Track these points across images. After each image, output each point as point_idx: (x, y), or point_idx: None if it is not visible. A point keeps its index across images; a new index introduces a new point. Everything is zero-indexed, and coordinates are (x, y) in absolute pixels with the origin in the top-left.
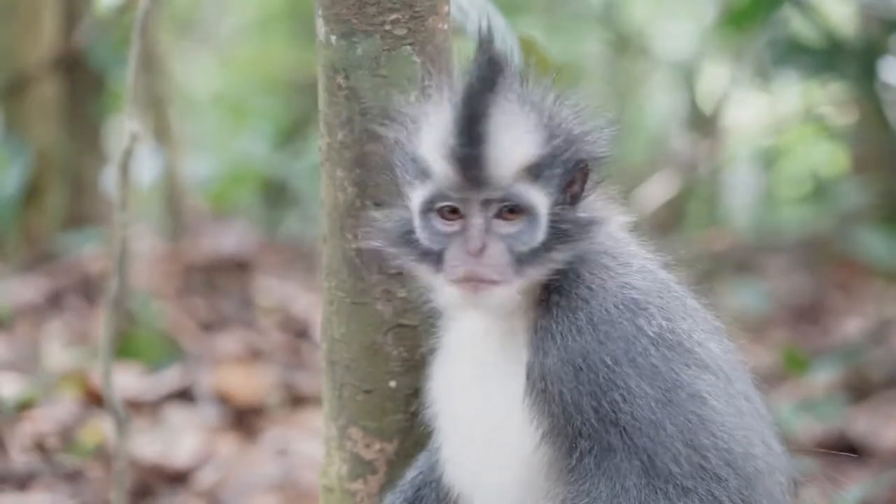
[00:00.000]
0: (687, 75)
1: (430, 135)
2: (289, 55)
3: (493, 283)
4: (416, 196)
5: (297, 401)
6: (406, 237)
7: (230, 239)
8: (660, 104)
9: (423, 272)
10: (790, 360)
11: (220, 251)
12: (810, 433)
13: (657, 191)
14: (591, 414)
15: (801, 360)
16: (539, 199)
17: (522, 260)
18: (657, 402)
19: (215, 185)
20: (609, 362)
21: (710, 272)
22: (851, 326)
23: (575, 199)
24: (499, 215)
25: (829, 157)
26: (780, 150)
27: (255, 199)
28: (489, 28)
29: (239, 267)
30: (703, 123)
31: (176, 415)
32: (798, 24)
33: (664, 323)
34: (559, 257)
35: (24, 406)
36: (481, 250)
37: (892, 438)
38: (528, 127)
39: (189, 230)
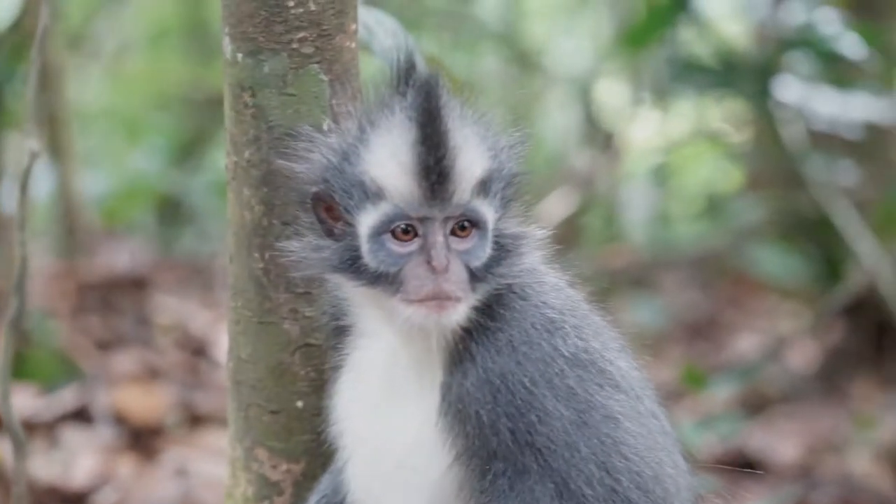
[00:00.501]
0: (583, 92)
1: (385, 155)
2: (183, 71)
3: (457, 299)
4: (367, 219)
5: (196, 420)
6: (352, 262)
7: (126, 256)
8: (557, 121)
9: (375, 296)
10: (689, 376)
11: (116, 269)
12: (709, 449)
13: (556, 207)
14: (507, 435)
15: (698, 377)
16: (489, 214)
17: (475, 276)
18: (572, 423)
19: (110, 201)
20: (527, 384)
21: (608, 289)
22: (745, 342)
23: (506, 213)
24: (453, 232)
25: (724, 175)
26: (675, 167)
27: (150, 216)
28: (409, 49)
29: (135, 285)
30: (600, 140)
31: (72, 435)
32: (694, 42)
33: (579, 342)
34: (503, 273)
35: None
36: (446, 268)
37: (788, 454)
38: (478, 142)
39: (83, 247)
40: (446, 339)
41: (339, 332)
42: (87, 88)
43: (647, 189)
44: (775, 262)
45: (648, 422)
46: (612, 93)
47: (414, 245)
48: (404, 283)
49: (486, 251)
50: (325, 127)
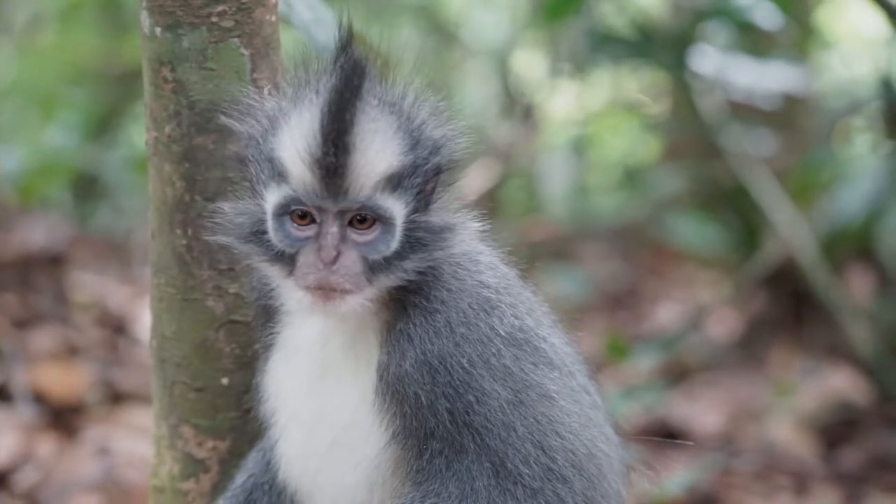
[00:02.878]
0: (501, 64)
1: (291, 138)
2: (96, 45)
3: (345, 292)
4: (271, 197)
5: (116, 398)
6: (257, 235)
7: (41, 233)
8: (476, 93)
9: (274, 273)
10: (612, 347)
11: (31, 245)
12: (633, 420)
13: (475, 180)
14: (445, 416)
15: (621, 347)
16: (397, 208)
17: (375, 268)
18: (509, 403)
19: (24, 178)
20: (465, 364)
21: (529, 261)
22: (666, 312)
23: (428, 205)
24: (353, 223)
25: (642, 145)
26: (593, 138)
27: (65, 192)
28: (348, 31)
29: (51, 261)
30: (519, 112)
31: None
32: (611, 14)
33: (514, 321)
34: (412, 266)
35: None
36: (334, 259)
37: (710, 422)
38: (391, 136)
39: None
40: (382, 318)
41: (268, 310)
42: None
43: (566, 160)
44: (694, 232)
45: (581, 398)
46: (530, 64)
47: (311, 231)
48: (297, 268)
49: (391, 245)
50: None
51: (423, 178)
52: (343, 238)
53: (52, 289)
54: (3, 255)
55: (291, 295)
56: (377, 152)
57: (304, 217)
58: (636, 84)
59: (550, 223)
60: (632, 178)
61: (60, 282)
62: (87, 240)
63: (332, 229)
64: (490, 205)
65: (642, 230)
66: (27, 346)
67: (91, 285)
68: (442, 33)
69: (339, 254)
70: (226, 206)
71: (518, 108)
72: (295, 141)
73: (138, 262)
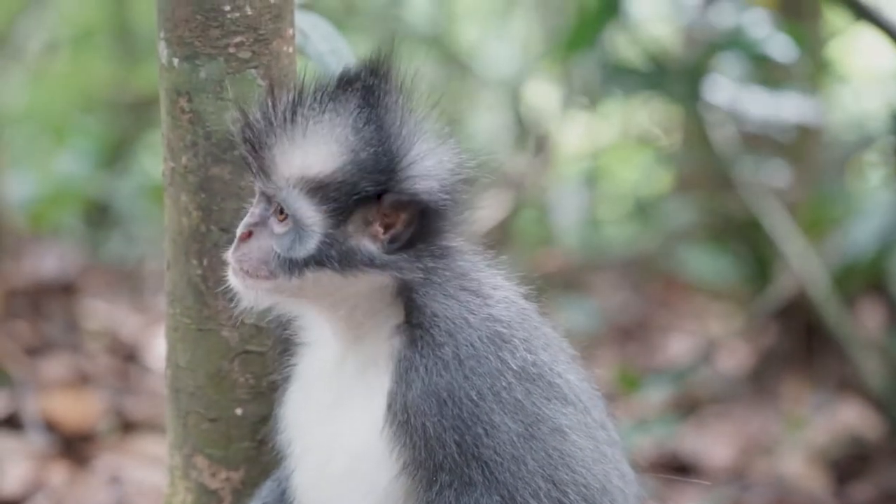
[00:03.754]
0: (514, 95)
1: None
2: (108, 73)
3: (245, 273)
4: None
5: (128, 427)
6: None
7: (52, 261)
8: (488, 124)
9: None
10: (622, 378)
11: (43, 273)
12: (644, 453)
13: (488, 211)
14: (453, 448)
15: (632, 379)
16: (309, 214)
17: (285, 265)
18: (519, 436)
19: (36, 205)
20: (474, 397)
21: (542, 292)
22: (677, 344)
23: (395, 236)
24: (275, 214)
25: (653, 177)
26: (605, 169)
27: (77, 220)
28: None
29: (63, 290)
30: (531, 143)
31: (2, 443)
32: (624, 45)
33: (527, 356)
34: (322, 279)
35: None
36: (244, 237)
37: (721, 456)
38: (331, 145)
39: (9, 252)
40: (392, 345)
41: (287, 342)
42: (10, 90)
43: (578, 192)
44: (705, 264)
45: (596, 433)
46: (542, 95)
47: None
48: None
49: (303, 248)
50: None
51: (351, 199)
52: (263, 222)
53: (63, 317)
54: (14, 283)
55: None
56: (304, 149)
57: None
58: (649, 116)
59: (562, 254)
60: (643, 209)
61: (72, 310)
62: (98, 268)
63: (255, 210)
64: (502, 236)
65: (653, 262)
66: (38, 374)
67: (103, 313)
68: (455, 64)
69: (250, 234)
70: None
71: (531, 139)
72: (247, 116)
73: (150, 290)
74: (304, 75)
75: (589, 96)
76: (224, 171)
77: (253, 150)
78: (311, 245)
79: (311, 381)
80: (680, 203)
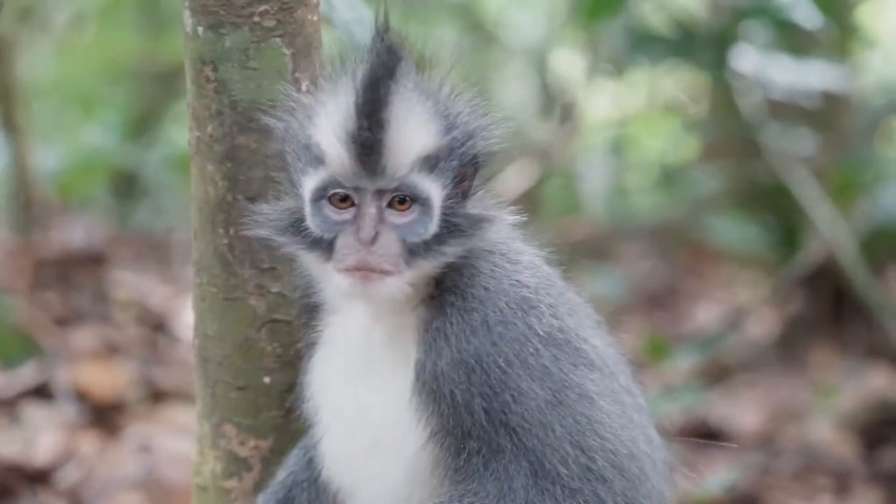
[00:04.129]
0: (540, 63)
1: (327, 121)
2: (135, 44)
3: (384, 273)
4: (308, 183)
5: (157, 396)
6: (296, 226)
7: (81, 231)
8: (514, 92)
9: (312, 261)
10: (651, 347)
11: (72, 244)
12: (673, 420)
13: (515, 180)
14: (481, 415)
15: (661, 347)
16: (434, 190)
17: (413, 251)
18: (547, 403)
19: (64, 176)
20: (502, 364)
21: (569, 260)
22: (705, 312)
23: (465, 195)
24: (391, 205)
25: (680, 145)
26: (631, 137)
27: (105, 191)
28: (384, 19)
29: (92, 260)
30: (557, 112)
31: (33, 412)
32: (650, 12)
33: (553, 321)
34: (450, 251)
35: None
36: (373, 239)
37: (750, 423)
38: (427, 117)
39: (39, 223)
40: (420, 315)
41: (311, 308)
42: (37, 62)
43: (604, 160)
44: (733, 232)
45: (623, 399)
46: (568, 63)
47: (349, 214)
48: (335, 252)
49: (429, 228)
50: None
51: (459, 163)
52: (381, 219)
53: (92, 287)
54: (43, 254)
55: (330, 281)
56: (413, 130)
57: (344, 200)
58: (675, 83)
59: (589, 223)
60: (670, 177)
61: (101, 280)
62: (126, 238)
63: (371, 210)
64: (529, 205)
65: (681, 230)
66: (68, 345)
67: (131, 284)
68: (480, 32)
69: (377, 234)
70: (267, 205)
71: (557, 108)
72: (331, 121)
73: (178, 260)
74: (389, 60)
75: (615, 64)
76: (250, 140)
77: (367, 150)
78: (435, 222)
79: (338, 350)
80: (707, 171)
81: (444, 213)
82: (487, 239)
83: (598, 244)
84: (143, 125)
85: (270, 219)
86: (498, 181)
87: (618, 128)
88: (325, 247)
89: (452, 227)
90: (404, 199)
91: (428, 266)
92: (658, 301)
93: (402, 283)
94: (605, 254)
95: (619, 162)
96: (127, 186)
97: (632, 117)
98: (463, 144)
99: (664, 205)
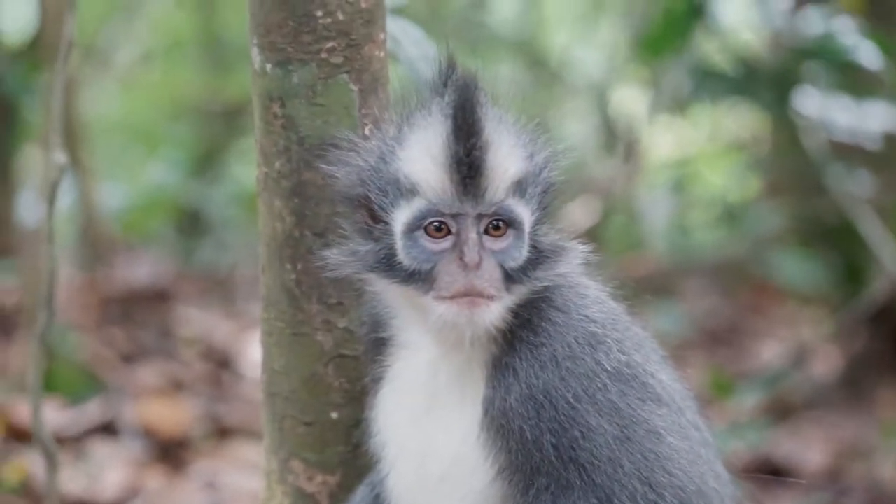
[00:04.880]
0: (601, 100)
1: (421, 150)
2: (198, 81)
3: (490, 298)
4: (401, 216)
5: (222, 433)
6: (386, 261)
7: (146, 268)
8: (576, 129)
9: (408, 295)
10: (716, 383)
11: (137, 281)
12: (738, 457)
13: (577, 216)
14: (550, 451)
15: (725, 384)
16: (526, 215)
17: (510, 277)
18: (615, 439)
19: (129, 214)
20: (570, 399)
21: (632, 297)
22: (767, 349)
23: (545, 220)
24: (486, 231)
25: (742, 182)
26: (694, 174)
27: (169, 228)
28: (452, 55)
29: (157, 297)
30: (619, 148)
31: (100, 449)
32: (712, 51)
33: (621, 356)
34: (541, 278)
35: None
36: (478, 265)
37: (815, 461)
38: (515, 143)
39: (104, 260)
40: (488, 351)
41: (379, 343)
42: (101, 100)
43: (666, 197)
44: (795, 269)
45: (690, 434)
46: (630, 100)
47: (447, 242)
48: (437, 281)
49: (523, 253)
50: (362, 133)
51: (541, 189)
52: (482, 245)
53: (157, 324)
54: (109, 291)
55: (431, 312)
56: (507, 154)
57: (439, 230)
58: (737, 121)
59: (651, 259)
60: (732, 214)
61: (165, 317)
62: (191, 275)
63: (473, 235)
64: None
65: (743, 267)
66: (134, 381)
67: (196, 320)
68: (541, 69)
69: (481, 259)
70: (333, 251)
71: (619, 144)
72: (427, 150)
73: (242, 297)
74: (475, 92)
75: (677, 102)
76: (317, 176)
77: (471, 174)
78: (526, 248)
79: (405, 385)
80: (769, 208)
81: (531, 240)
82: (568, 269)
83: (660, 280)
84: (206, 162)
85: (357, 258)
86: (563, 216)
87: (680, 165)
88: (423, 278)
89: (539, 254)
90: (499, 224)
91: (521, 292)
92: (720, 338)
93: (503, 308)
94: (667, 290)
95: (682, 199)
96: (191, 223)
97: (694, 155)
98: (542, 171)
99: (726, 242)
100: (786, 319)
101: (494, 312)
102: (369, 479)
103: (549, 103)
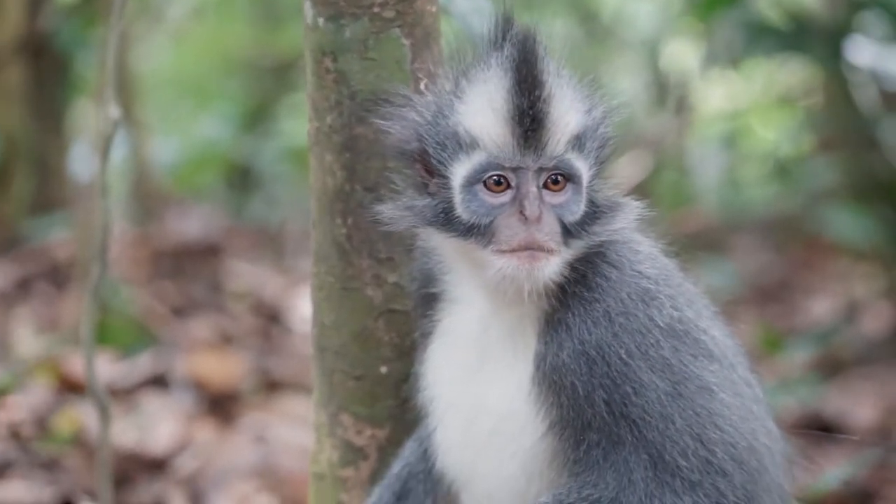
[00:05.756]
0: (653, 55)
1: (482, 104)
2: (249, 36)
3: (549, 252)
4: (461, 169)
5: (271, 386)
6: (444, 215)
7: (197, 223)
8: (627, 84)
9: (468, 249)
10: (766, 339)
11: (188, 235)
12: (788, 413)
13: (628, 171)
14: (602, 407)
15: (776, 340)
16: (584, 169)
17: (569, 231)
18: (667, 395)
19: (179, 168)
20: (623, 355)
21: (682, 252)
22: (818, 305)
23: (601, 175)
24: (545, 185)
25: (794, 137)
26: (745, 129)
27: (219, 183)
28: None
29: (208, 251)
30: (670, 104)
31: (151, 401)
32: (766, 5)
33: (673, 312)
34: (599, 233)
35: None
36: (538, 218)
37: (865, 417)
38: (575, 97)
39: (156, 214)
40: (541, 306)
41: (429, 299)
42: (153, 55)
43: (718, 152)
44: (848, 225)
45: (742, 390)
46: (682, 55)
47: (506, 196)
48: (496, 234)
49: (581, 207)
50: (414, 87)
51: (598, 144)
52: (541, 199)
53: (207, 278)
54: (161, 245)
55: (490, 265)
56: (567, 108)
57: (498, 184)
58: (790, 75)
59: (702, 215)
60: (785, 170)
61: (216, 271)
62: (240, 230)
63: (533, 188)
64: (641, 196)
65: (795, 223)
66: (185, 335)
67: (245, 275)
68: (593, 24)
69: (541, 213)
70: (388, 205)
71: (670, 100)
72: (490, 103)
73: (291, 251)
74: (532, 43)
75: (730, 56)
76: (368, 131)
77: (533, 126)
78: (584, 203)
79: (455, 341)
80: (822, 163)
81: (589, 195)
82: (624, 225)
83: (710, 236)
84: (257, 117)
85: (413, 212)
86: (615, 171)
87: (732, 120)
88: (481, 232)
89: (596, 209)
90: (557, 178)
91: (579, 247)
92: (772, 294)
93: (561, 263)
94: (717, 246)
95: (733, 154)
96: (241, 178)
97: (746, 109)
98: (599, 126)
99: (778, 197)
100: (837, 275)
101: (553, 266)
102: (417, 433)
103: (601, 58)
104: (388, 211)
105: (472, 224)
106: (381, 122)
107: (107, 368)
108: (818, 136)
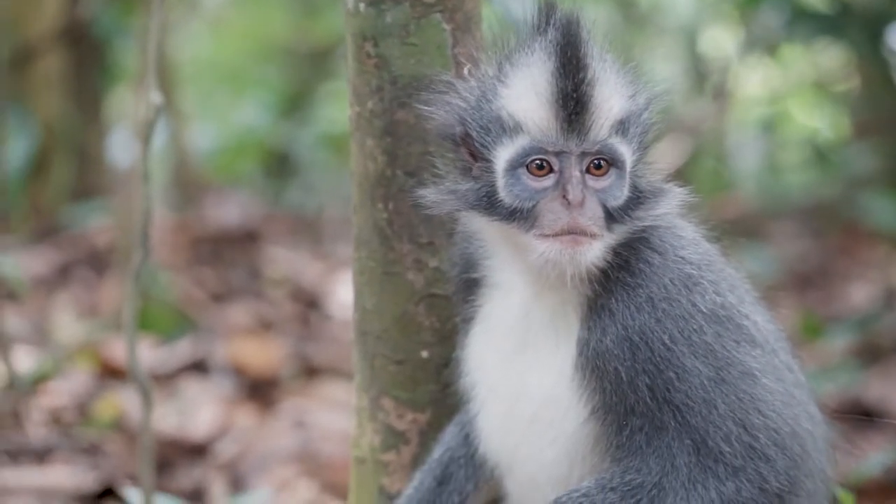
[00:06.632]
0: (691, 41)
1: (526, 88)
2: (287, 22)
3: (592, 236)
4: (503, 154)
5: (311, 372)
6: (487, 199)
7: (235, 209)
8: (665, 70)
9: (510, 233)
10: (806, 325)
11: (227, 222)
12: (828, 399)
13: (666, 156)
14: (645, 392)
15: (815, 326)
16: (627, 154)
17: (612, 216)
18: (710, 380)
19: (218, 155)
20: (666, 341)
21: (722, 238)
22: (857, 292)
23: (644, 160)
24: (588, 170)
25: (834, 123)
26: (784, 115)
27: (257, 169)
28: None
29: (246, 237)
30: (709, 89)
31: (191, 387)
32: None
33: (716, 298)
34: (642, 218)
35: (40, 380)
36: (581, 203)
37: None
38: (618, 82)
39: (195, 201)
40: (584, 292)
41: (470, 284)
42: (191, 42)
43: (756, 138)
44: (887, 211)
45: (784, 375)
46: (720, 41)
47: (549, 180)
48: (539, 218)
49: (624, 192)
50: (455, 72)
51: (641, 130)
52: (585, 183)
53: (246, 264)
54: (200, 232)
55: (532, 249)
56: (611, 92)
57: (542, 168)
58: (828, 61)
59: (740, 201)
60: (823, 156)
61: (255, 257)
62: (279, 216)
63: (576, 172)
64: (680, 182)
65: (834, 209)
66: (224, 321)
67: (284, 261)
68: (632, 10)
69: (584, 197)
70: (430, 189)
71: (709, 85)
72: (534, 87)
73: (329, 238)
74: (575, 28)
75: (769, 41)
76: (409, 116)
77: (577, 110)
78: (627, 188)
79: (496, 326)
80: (861, 150)
81: (632, 180)
82: (667, 210)
83: (749, 222)
84: (295, 104)
85: (456, 196)
86: (657, 157)
87: (771, 106)
88: (524, 216)
89: (639, 194)
90: (601, 163)
91: (622, 232)
92: (810, 280)
93: (604, 247)
94: (756, 232)
95: (772, 140)
96: (279, 165)
97: (785, 95)
98: (642, 112)
99: (817, 183)
100: (876, 262)
101: (596, 251)
102: (458, 418)
103: (639, 44)
104: (430, 195)
105: (515, 208)
106: (423, 106)
107: (147, 354)
108: (857, 123)
